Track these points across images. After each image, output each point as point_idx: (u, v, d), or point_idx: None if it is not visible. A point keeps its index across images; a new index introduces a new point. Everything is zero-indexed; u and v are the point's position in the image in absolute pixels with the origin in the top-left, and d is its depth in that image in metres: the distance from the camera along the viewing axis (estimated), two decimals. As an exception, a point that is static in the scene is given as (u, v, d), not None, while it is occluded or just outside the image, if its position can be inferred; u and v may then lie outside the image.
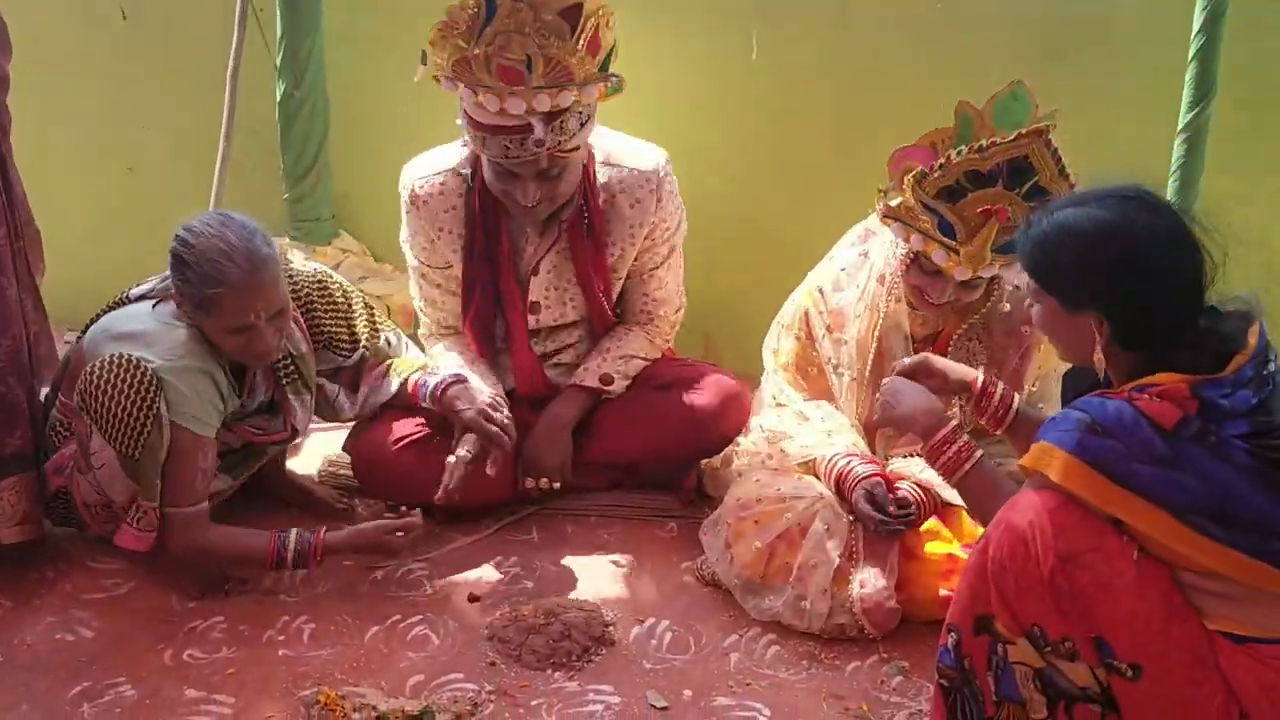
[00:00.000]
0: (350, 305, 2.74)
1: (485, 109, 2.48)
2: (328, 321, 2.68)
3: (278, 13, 3.25)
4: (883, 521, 2.44)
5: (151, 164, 3.66)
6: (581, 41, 2.45)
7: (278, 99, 3.33)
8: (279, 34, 3.27)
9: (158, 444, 2.34)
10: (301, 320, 2.61)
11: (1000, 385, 2.31)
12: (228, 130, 3.28)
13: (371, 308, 2.84)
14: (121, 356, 2.34)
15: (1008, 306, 2.55)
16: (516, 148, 2.52)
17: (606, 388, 2.84)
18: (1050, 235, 1.94)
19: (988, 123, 2.33)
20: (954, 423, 2.20)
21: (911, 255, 2.47)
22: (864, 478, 2.48)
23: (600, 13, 2.47)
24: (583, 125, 2.57)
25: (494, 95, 2.46)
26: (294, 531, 2.47)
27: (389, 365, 2.79)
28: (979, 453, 2.15)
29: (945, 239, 2.38)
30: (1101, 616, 1.84)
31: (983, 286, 2.49)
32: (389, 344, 2.81)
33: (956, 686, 1.99)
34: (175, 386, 2.35)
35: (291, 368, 2.59)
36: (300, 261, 2.81)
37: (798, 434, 2.65)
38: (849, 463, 2.53)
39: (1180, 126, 2.94)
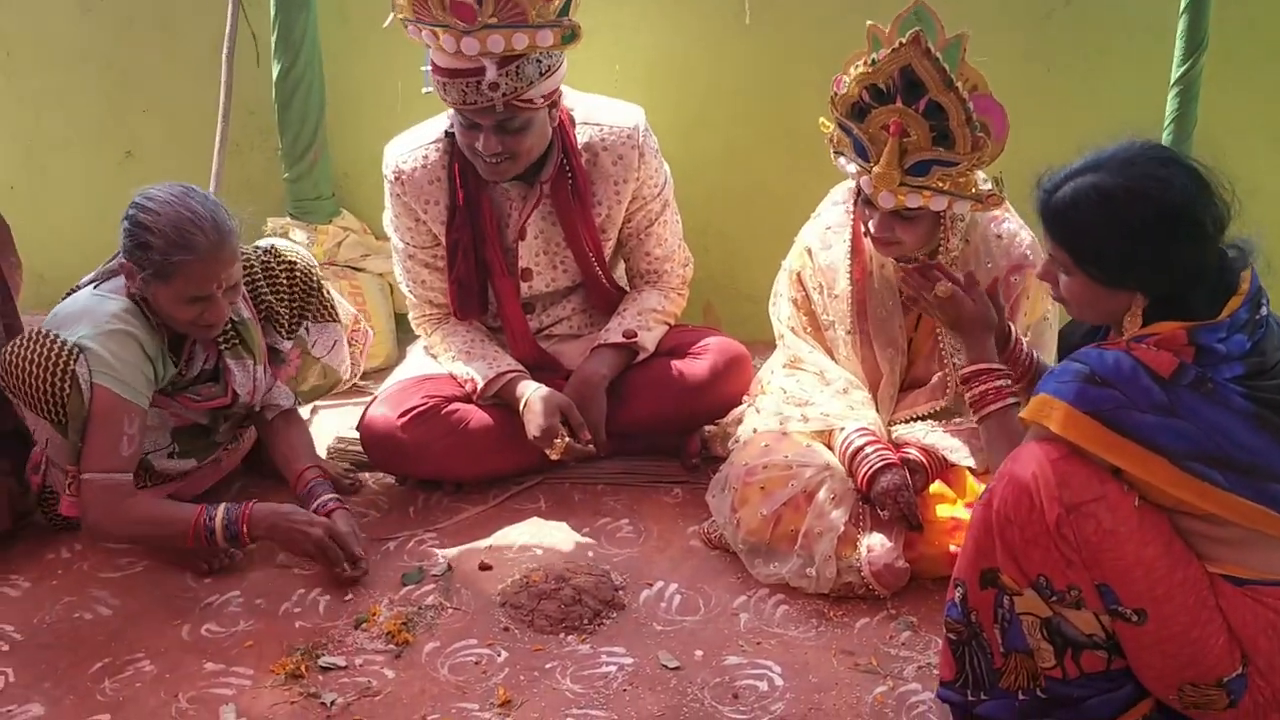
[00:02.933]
0: (297, 287, 2.74)
1: (444, 51, 2.51)
2: (268, 294, 2.69)
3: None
4: (902, 518, 2.47)
5: (150, 148, 3.66)
6: None
7: (274, 79, 3.32)
8: (272, 13, 3.26)
9: (79, 406, 2.36)
10: (245, 290, 2.61)
11: (1025, 339, 2.38)
12: (224, 111, 3.29)
13: (329, 304, 2.82)
14: (32, 330, 2.40)
15: (988, 262, 2.55)
16: (473, 92, 2.53)
17: (632, 340, 2.85)
18: (1081, 207, 1.90)
19: (893, 42, 2.32)
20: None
21: (856, 188, 2.51)
22: (881, 466, 2.48)
23: None
24: (543, 75, 2.57)
25: (451, 35, 2.47)
26: (223, 505, 2.46)
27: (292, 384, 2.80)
28: (1013, 399, 2.19)
29: (861, 160, 2.41)
30: (1106, 564, 1.87)
31: (922, 222, 2.46)
32: (307, 333, 2.79)
33: (964, 640, 2.02)
34: (96, 350, 2.37)
35: (232, 333, 2.59)
36: (280, 243, 2.82)
37: (819, 399, 2.66)
38: (866, 446, 2.53)
39: (1172, 80, 2.95)
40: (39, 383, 2.35)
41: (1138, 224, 1.87)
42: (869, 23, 2.39)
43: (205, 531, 2.43)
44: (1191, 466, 1.82)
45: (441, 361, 2.91)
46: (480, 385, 2.80)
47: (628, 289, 3.04)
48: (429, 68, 2.62)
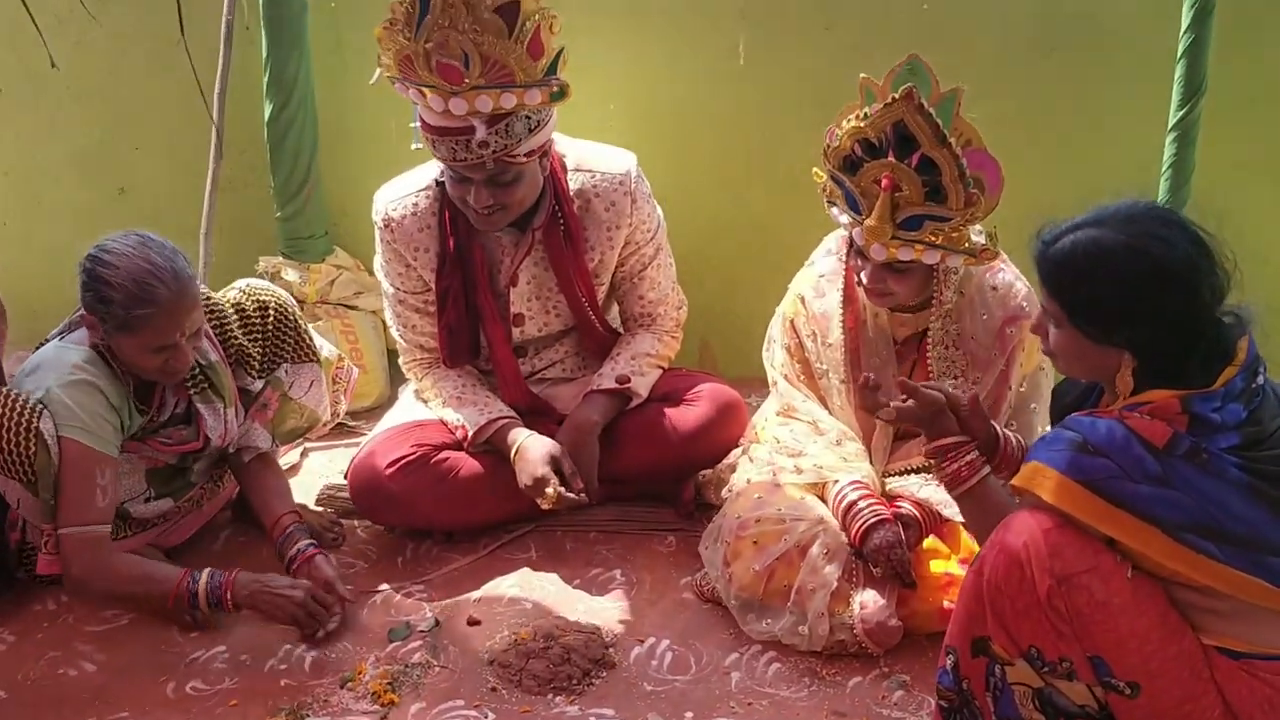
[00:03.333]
0: (270, 328, 2.71)
1: (433, 110, 2.49)
2: (238, 335, 2.67)
3: (263, 31, 3.23)
4: (895, 575, 2.43)
5: (142, 184, 3.65)
6: (520, 42, 2.45)
7: (266, 118, 3.31)
8: (264, 53, 3.25)
9: (46, 463, 2.34)
10: (212, 333, 2.60)
11: (1015, 437, 2.25)
12: (217, 150, 3.27)
13: (308, 343, 2.79)
14: None
15: (984, 314, 2.53)
16: (463, 150, 2.52)
17: (625, 386, 2.83)
18: (1079, 261, 1.87)
19: (887, 96, 2.30)
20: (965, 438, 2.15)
21: (849, 239, 2.48)
22: (874, 522, 2.44)
23: (540, 14, 2.45)
24: (532, 131, 2.55)
25: (439, 96, 2.46)
26: (207, 570, 2.41)
27: (269, 425, 2.76)
28: (986, 469, 2.11)
29: (853, 213, 2.39)
30: (1099, 636, 1.84)
31: (914, 275, 2.44)
32: (285, 375, 2.75)
33: (956, 707, 2.00)
34: (61, 401, 2.35)
35: (201, 377, 2.57)
36: (255, 283, 2.81)
37: (812, 451, 2.63)
38: (859, 501, 2.50)
39: (1170, 125, 2.92)
40: (3, 444, 2.32)
41: (1134, 281, 1.84)
42: (862, 75, 2.37)
43: (188, 595, 2.40)
44: (1186, 538, 1.79)
45: (432, 407, 2.89)
46: (471, 432, 2.78)
47: (621, 331, 3.01)
48: (418, 124, 2.60)
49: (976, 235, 2.42)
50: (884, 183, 2.30)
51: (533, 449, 2.70)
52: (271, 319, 2.73)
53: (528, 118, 2.53)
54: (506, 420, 2.79)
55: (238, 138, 3.40)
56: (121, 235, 2.40)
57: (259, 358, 2.71)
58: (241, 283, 2.78)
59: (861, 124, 2.30)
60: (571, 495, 2.67)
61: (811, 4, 3.24)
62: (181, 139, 3.50)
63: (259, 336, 2.71)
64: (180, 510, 2.70)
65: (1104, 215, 1.90)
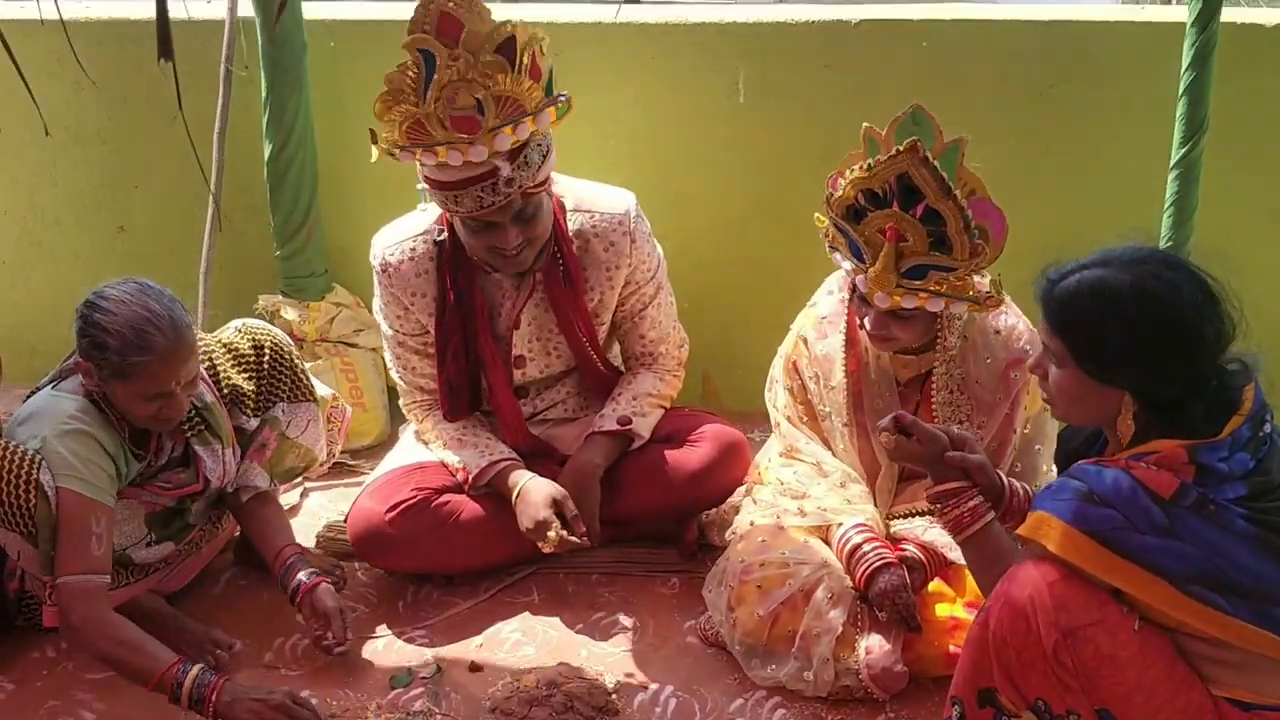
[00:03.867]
0: (265, 367, 2.70)
1: (450, 166, 2.47)
2: (233, 375, 2.66)
3: (261, 72, 3.24)
4: (901, 620, 2.42)
5: (142, 224, 3.64)
6: (523, 74, 2.45)
7: (265, 158, 3.31)
8: (264, 93, 3.25)
9: (46, 514, 2.32)
10: (205, 374, 2.58)
11: (1022, 487, 2.24)
12: (216, 191, 3.27)
13: (304, 382, 2.78)
14: None
15: (988, 358, 2.52)
16: (490, 194, 2.50)
17: (626, 428, 2.80)
18: (1085, 301, 1.87)
19: (890, 146, 2.31)
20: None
21: (851, 284, 2.48)
22: (879, 566, 2.43)
23: (533, 39, 2.46)
24: (544, 157, 2.55)
25: (455, 150, 2.45)
26: (199, 666, 2.31)
27: (268, 465, 2.74)
28: (990, 516, 2.09)
29: (857, 261, 2.39)
30: (1106, 689, 1.83)
31: (918, 321, 2.45)
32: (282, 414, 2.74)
33: (963, 757, 1.98)
34: (56, 452, 2.33)
35: (197, 419, 2.55)
36: (252, 322, 2.80)
37: (816, 493, 2.62)
38: (864, 544, 2.48)
39: (1173, 162, 2.92)
40: (4, 496, 2.30)
41: (1139, 321, 1.84)
42: (865, 125, 2.38)
43: (172, 685, 2.29)
44: (1193, 590, 1.78)
45: (432, 448, 2.88)
46: (472, 475, 2.76)
47: (623, 369, 3.00)
48: (427, 187, 2.59)
49: (981, 284, 2.41)
50: (889, 233, 2.30)
51: (534, 491, 2.69)
52: (267, 358, 2.72)
53: (539, 144, 2.53)
54: (508, 462, 2.78)
55: (238, 177, 3.40)
56: (120, 282, 2.39)
57: (254, 396, 2.70)
58: (237, 322, 2.78)
59: (865, 175, 2.30)
60: (574, 539, 2.65)
61: (811, 42, 3.25)
62: (181, 178, 3.49)
63: (253, 375, 2.70)
64: (181, 554, 2.68)
65: (1110, 256, 1.90)
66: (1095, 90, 3.17)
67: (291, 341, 2.84)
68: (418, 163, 2.52)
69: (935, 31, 3.21)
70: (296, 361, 2.79)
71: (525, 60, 2.44)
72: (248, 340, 2.72)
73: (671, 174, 3.40)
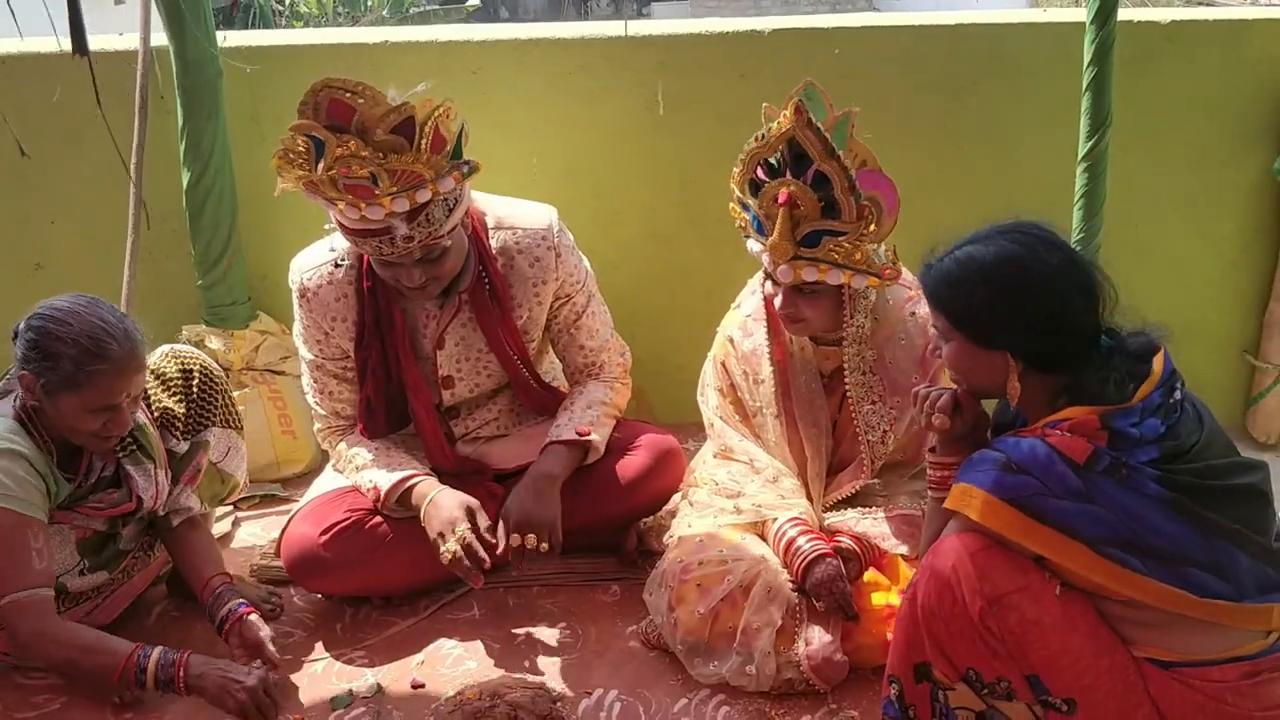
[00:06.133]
0: (194, 390, 2.68)
1: (349, 217, 2.46)
2: (163, 398, 2.64)
3: (178, 100, 3.21)
4: (839, 609, 2.44)
5: (60, 259, 3.58)
6: (423, 150, 2.42)
7: (184, 187, 3.27)
8: (180, 122, 3.22)
9: None
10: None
11: None
12: (135, 222, 3.23)
13: (233, 409, 2.77)
14: None
15: (904, 339, 2.58)
16: (388, 246, 2.49)
17: (585, 437, 2.77)
18: (956, 273, 1.98)
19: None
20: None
21: (765, 273, 2.53)
22: (814, 557, 2.46)
23: (436, 114, 2.43)
24: (451, 210, 2.53)
25: (351, 206, 2.43)
26: (159, 649, 2.32)
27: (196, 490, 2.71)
28: None
29: (761, 237, 2.45)
30: (1033, 655, 1.87)
31: (824, 298, 2.49)
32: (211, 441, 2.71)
33: (904, 736, 2.00)
34: None
35: (129, 439, 2.52)
36: (180, 347, 2.78)
37: (750, 490, 2.64)
38: (799, 537, 2.51)
39: (1080, 156, 3.00)
40: None
41: (999, 281, 1.94)
42: (765, 105, 2.43)
43: (135, 671, 2.29)
44: (1109, 552, 1.83)
45: (346, 473, 2.83)
46: (382, 494, 2.70)
47: (559, 388, 2.98)
48: (333, 224, 2.58)
49: (879, 257, 2.45)
50: (781, 198, 2.36)
51: (446, 500, 2.63)
52: (196, 382, 2.69)
53: (444, 201, 2.51)
54: (418, 477, 2.71)
55: (157, 207, 3.35)
56: (68, 296, 2.38)
57: (184, 419, 2.67)
58: (165, 347, 2.75)
59: (759, 144, 2.38)
60: (533, 549, 2.58)
61: (727, 53, 3.29)
62: (98, 211, 3.45)
63: (183, 398, 2.67)
64: (114, 583, 2.62)
65: (978, 234, 2.02)
66: (1005, 90, 3.25)
67: (219, 366, 2.81)
68: (324, 206, 2.51)
69: (846, 39, 3.28)
70: (226, 386, 2.77)
71: (426, 134, 2.42)
72: (175, 365, 2.70)
73: (597, 189, 3.42)
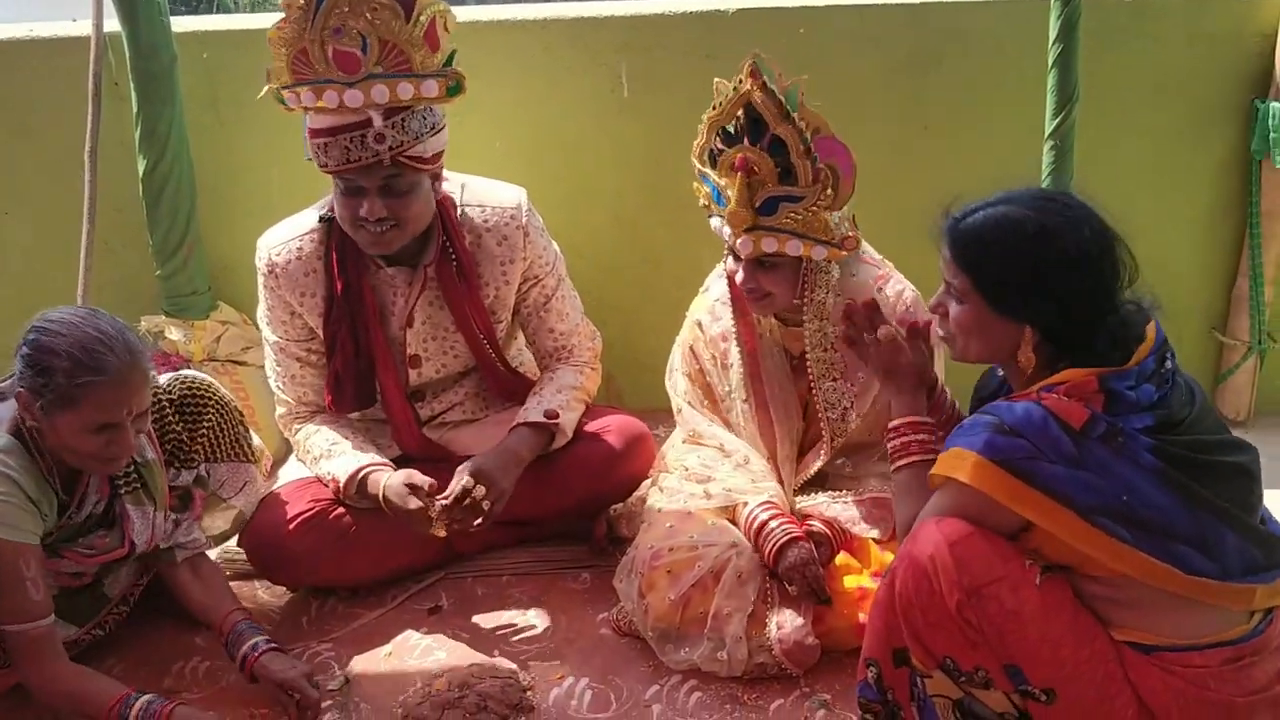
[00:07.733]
0: (210, 423, 2.60)
1: (327, 108, 2.43)
2: (178, 430, 2.56)
3: (132, 86, 3.14)
4: (810, 592, 2.42)
5: (14, 252, 3.50)
6: (418, 30, 2.42)
7: (140, 175, 3.21)
8: (135, 109, 3.16)
9: None
10: (151, 428, 2.45)
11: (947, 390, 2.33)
12: (90, 212, 3.16)
13: (247, 442, 2.70)
14: None
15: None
16: (358, 148, 2.45)
17: (553, 421, 2.73)
18: (991, 236, 1.91)
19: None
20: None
21: (728, 249, 2.51)
22: (786, 541, 2.44)
23: (436, 8, 2.43)
24: (429, 132, 2.51)
25: (333, 90, 2.41)
26: (146, 696, 2.24)
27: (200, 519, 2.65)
28: (933, 455, 2.07)
29: (720, 209, 2.43)
30: (1012, 645, 1.84)
31: (784, 270, 2.47)
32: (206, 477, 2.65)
33: (882, 718, 1.98)
34: None
35: (134, 475, 2.42)
36: (197, 375, 2.69)
37: (720, 474, 2.62)
38: (770, 521, 2.50)
39: (1047, 133, 2.99)
40: None
41: (1042, 255, 1.88)
42: (716, 80, 2.42)
43: (118, 716, 2.20)
44: (1099, 521, 1.80)
45: (306, 464, 2.78)
46: (342, 486, 2.65)
47: (526, 374, 2.94)
48: (306, 137, 2.52)
49: (838, 227, 2.42)
50: (737, 163, 2.35)
51: (392, 489, 2.57)
52: (213, 415, 2.61)
53: (424, 116, 2.49)
54: (372, 468, 2.66)
55: (113, 197, 3.29)
56: (67, 308, 2.26)
57: (201, 453, 2.60)
58: (188, 373, 2.66)
59: (716, 113, 2.38)
60: (477, 502, 2.55)
61: (691, 34, 3.25)
62: (53, 202, 3.38)
63: (199, 432, 2.60)
64: (78, 644, 2.48)
65: (1013, 195, 1.95)
66: (970, 68, 3.23)
67: (233, 399, 2.72)
68: (302, 110, 2.47)
69: (811, 18, 3.24)
70: (242, 418, 2.69)
71: (424, 19, 2.42)
72: (194, 395, 2.60)
73: (563, 173, 3.37)
